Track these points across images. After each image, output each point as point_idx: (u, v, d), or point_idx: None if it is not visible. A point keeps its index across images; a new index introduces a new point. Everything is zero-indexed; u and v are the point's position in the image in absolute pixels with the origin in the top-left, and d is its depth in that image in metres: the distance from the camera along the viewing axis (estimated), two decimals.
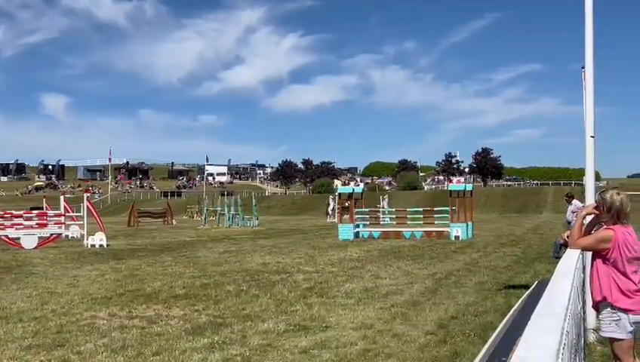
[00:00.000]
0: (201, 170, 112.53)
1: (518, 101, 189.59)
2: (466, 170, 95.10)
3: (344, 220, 26.42)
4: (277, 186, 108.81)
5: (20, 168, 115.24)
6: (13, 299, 10.17)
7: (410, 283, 11.49)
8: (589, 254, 4.91)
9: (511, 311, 8.04)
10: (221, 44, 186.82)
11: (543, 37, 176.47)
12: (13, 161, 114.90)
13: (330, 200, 45.71)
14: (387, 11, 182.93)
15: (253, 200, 43.32)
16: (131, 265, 15.38)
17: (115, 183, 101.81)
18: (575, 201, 16.76)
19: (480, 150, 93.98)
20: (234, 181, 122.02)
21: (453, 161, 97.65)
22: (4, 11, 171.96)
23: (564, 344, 2.09)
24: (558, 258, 11.95)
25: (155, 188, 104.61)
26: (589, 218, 4.93)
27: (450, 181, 31.58)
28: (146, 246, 21.64)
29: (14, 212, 24.69)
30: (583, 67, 7.73)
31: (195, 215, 52.37)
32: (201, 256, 17.50)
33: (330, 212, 44.97)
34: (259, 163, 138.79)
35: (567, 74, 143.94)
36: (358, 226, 25.32)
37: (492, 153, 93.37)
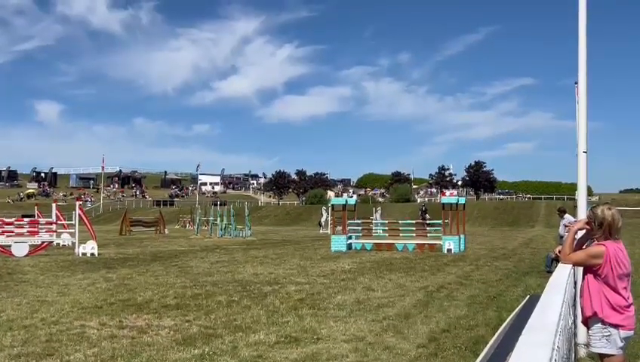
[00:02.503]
0: (194, 179, 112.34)
1: (511, 115, 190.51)
2: (459, 182, 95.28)
3: (337, 231, 26.40)
4: (270, 197, 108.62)
5: (12, 175, 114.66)
6: (3, 306, 10.11)
7: (402, 295, 11.49)
8: (581, 269, 4.92)
9: (502, 326, 8.05)
10: (216, 54, 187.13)
11: (536, 51, 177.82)
12: (5, 168, 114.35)
13: (323, 212, 45.70)
14: (382, 23, 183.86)
15: (246, 210, 43.20)
16: (122, 274, 15.32)
17: (108, 192, 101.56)
18: (567, 216, 16.82)
19: (473, 163, 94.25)
20: (227, 191, 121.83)
21: (446, 173, 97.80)
22: None
23: (555, 359, 2.10)
24: (550, 272, 11.99)
25: (147, 196, 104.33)
26: (580, 233, 4.95)
27: (443, 194, 31.59)
28: (138, 256, 21.56)
29: (5, 219, 24.56)
30: (576, 82, 7.78)
31: (188, 224, 52.26)
32: (192, 266, 17.44)
33: (322, 223, 44.95)
34: (252, 173, 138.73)
35: (559, 88, 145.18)
36: (350, 238, 25.31)
37: (485, 166, 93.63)
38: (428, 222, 40.48)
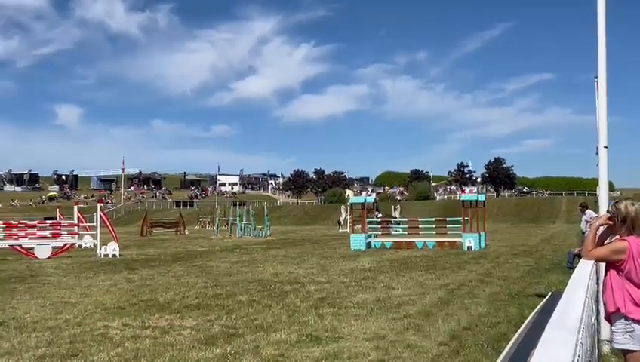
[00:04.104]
0: (213, 180, 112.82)
1: (530, 111, 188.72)
2: (479, 180, 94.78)
3: (356, 230, 26.39)
4: (289, 196, 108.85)
5: (34, 178, 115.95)
6: (27, 308, 10.24)
7: (423, 293, 11.46)
8: (603, 265, 4.88)
9: (524, 323, 8.00)
10: (233, 55, 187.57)
11: (554, 47, 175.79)
12: (26, 172, 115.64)
13: (342, 211, 45.67)
14: (398, 21, 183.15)
15: (265, 210, 43.35)
16: (144, 274, 15.44)
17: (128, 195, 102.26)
18: (589, 211, 16.66)
19: (492, 160, 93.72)
20: (246, 191, 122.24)
21: (466, 170, 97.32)
22: (19, 22, 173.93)
23: (578, 356, 2.09)
24: (572, 268, 11.88)
25: (167, 198, 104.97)
26: (602, 228, 4.91)
27: (463, 191, 31.44)
28: (159, 256, 21.71)
29: (28, 222, 24.90)
30: (596, 77, 7.71)
31: (208, 225, 52.52)
32: (213, 266, 17.53)
33: (341, 222, 44.94)
34: (270, 173, 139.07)
35: (578, 83, 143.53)
36: (370, 236, 25.28)
37: (504, 163, 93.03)
38: (379, 219, 40.59)
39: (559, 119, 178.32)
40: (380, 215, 41.95)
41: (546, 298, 10.00)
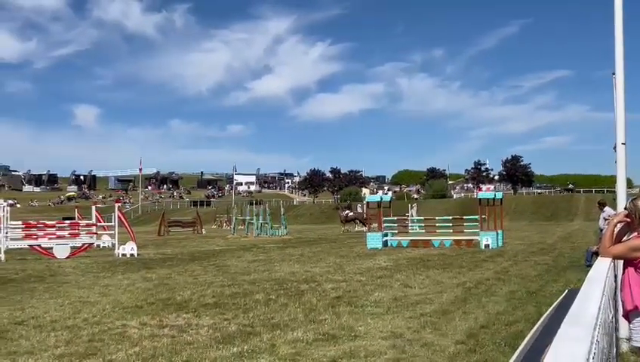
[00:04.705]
0: (229, 179, 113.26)
1: (547, 108, 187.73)
2: (496, 177, 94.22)
3: (372, 229, 26.36)
4: (305, 195, 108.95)
5: (52, 179, 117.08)
6: (46, 308, 10.34)
7: (440, 292, 11.42)
8: (621, 262, 4.85)
9: (540, 320, 7.96)
10: (249, 54, 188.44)
11: (571, 43, 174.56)
12: (45, 172, 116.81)
13: (359, 209, 45.65)
14: (414, 19, 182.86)
15: (282, 209, 43.47)
16: (161, 274, 15.53)
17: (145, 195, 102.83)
18: (607, 209, 16.52)
19: (509, 157, 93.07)
20: (262, 190, 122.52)
21: (483, 168, 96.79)
22: (37, 24, 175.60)
23: (594, 353, 2.08)
24: (590, 266, 11.80)
25: (184, 197, 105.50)
26: (620, 226, 4.87)
27: (480, 189, 31.30)
28: (176, 256, 21.83)
29: (47, 222, 25.12)
30: (614, 73, 7.64)
31: (224, 224, 52.69)
32: (230, 265, 17.60)
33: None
34: (287, 172, 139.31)
35: (596, 80, 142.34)
36: (386, 235, 25.25)
37: (522, 160, 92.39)
38: (348, 219, 40.60)
39: (577, 116, 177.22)
40: (351, 213, 42.01)
41: (563, 295, 9.94)
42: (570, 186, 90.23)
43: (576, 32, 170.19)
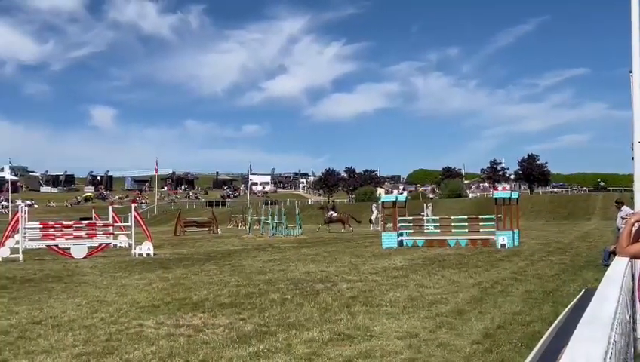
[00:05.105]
0: (245, 179, 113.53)
1: (564, 106, 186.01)
2: (512, 176, 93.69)
3: (387, 228, 26.32)
4: (320, 195, 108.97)
5: (69, 179, 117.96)
6: (64, 307, 10.43)
7: (455, 292, 11.39)
8: (639, 262, 4.81)
9: (557, 320, 7.91)
10: (264, 54, 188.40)
11: (588, 41, 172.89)
12: (62, 173, 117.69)
13: (374, 209, 45.62)
14: (429, 18, 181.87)
15: (297, 208, 43.50)
16: (178, 273, 15.61)
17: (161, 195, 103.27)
18: (625, 208, 16.39)
19: (526, 156, 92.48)
20: (277, 190, 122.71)
21: (499, 167, 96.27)
22: (54, 26, 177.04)
23: (611, 353, 2.07)
24: (608, 266, 11.71)
25: (200, 197, 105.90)
26: (638, 225, 4.83)
27: (496, 188, 31.15)
28: (192, 256, 21.92)
29: (64, 222, 25.32)
30: (631, 71, 7.58)
31: (240, 224, 52.83)
32: (245, 265, 17.65)
33: (373, 220, 44.92)
34: (302, 172, 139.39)
35: (614, 78, 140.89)
36: (401, 234, 25.20)
37: (538, 159, 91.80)
38: (332, 220, 40.56)
39: (594, 114, 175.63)
40: (335, 214, 41.97)
41: (580, 295, 9.87)
42: (602, 184, 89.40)
43: (593, 29, 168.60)
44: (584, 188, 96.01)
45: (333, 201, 60.87)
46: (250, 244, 28.49)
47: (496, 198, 25.22)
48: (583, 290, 10.50)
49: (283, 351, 7.03)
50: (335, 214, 42.50)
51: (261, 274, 15.19)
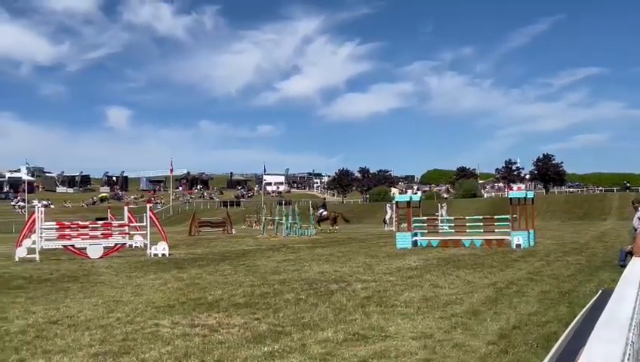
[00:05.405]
0: (259, 179, 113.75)
1: (580, 105, 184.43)
2: (527, 176, 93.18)
3: (402, 229, 26.27)
4: (333, 195, 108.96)
5: (85, 180, 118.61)
6: (81, 307, 10.51)
7: (470, 292, 11.35)
8: None
9: (574, 321, 7.86)
10: (278, 55, 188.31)
11: (604, 40, 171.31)
12: (78, 173, 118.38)
13: (388, 209, 45.54)
14: (443, 18, 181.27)
15: (311, 209, 43.51)
16: (193, 273, 15.68)
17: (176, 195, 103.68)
18: None
19: (541, 156, 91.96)
20: (291, 190, 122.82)
21: (514, 167, 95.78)
22: (69, 28, 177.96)
23: (629, 354, 2.06)
24: (624, 266, 11.61)
25: (214, 197, 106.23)
26: None
27: (511, 188, 30.99)
28: (207, 256, 22.01)
29: (80, 222, 25.54)
30: None
31: (254, 224, 52.95)
32: (260, 265, 17.69)
33: (387, 220, 44.82)
34: (315, 172, 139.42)
35: (630, 77, 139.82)
36: (416, 235, 25.14)
37: (553, 159, 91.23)
38: (322, 218, 40.45)
39: (611, 113, 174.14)
40: (325, 213, 41.88)
41: (597, 296, 9.80)
42: (628, 184, 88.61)
43: (609, 27, 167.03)
44: (600, 188, 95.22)
45: (324, 199, 60.90)
46: (264, 244, 28.54)
47: (511, 198, 25.08)
48: (600, 291, 10.42)
49: (298, 351, 7.05)
50: (325, 212, 42.53)
51: (275, 274, 15.22)
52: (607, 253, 19.12)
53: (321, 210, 42.79)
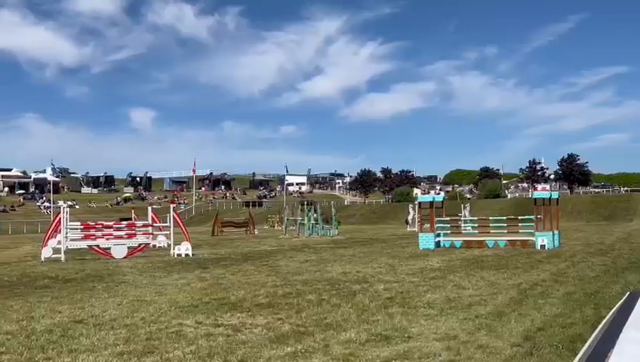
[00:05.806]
0: (281, 180, 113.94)
1: (605, 104, 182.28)
2: (552, 177, 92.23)
3: (424, 229, 26.15)
4: (356, 195, 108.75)
5: (109, 180, 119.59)
6: (105, 307, 10.61)
7: (495, 293, 11.26)
8: None
9: (602, 323, 7.75)
10: (300, 55, 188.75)
11: (629, 38, 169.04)
12: (102, 174, 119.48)
13: (410, 209, 45.36)
14: (466, 17, 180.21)
15: (333, 209, 43.49)
16: (216, 274, 15.75)
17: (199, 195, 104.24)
18: None
19: (566, 156, 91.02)
20: (313, 190, 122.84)
21: (538, 167, 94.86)
22: (94, 30, 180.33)
23: None
24: None
25: (237, 198, 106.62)
26: None
27: (535, 188, 30.68)
28: (230, 256, 22.10)
29: (105, 223, 25.79)
30: None
31: (276, 224, 53.07)
32: (282, 265, 17.72)
33: (409, 221, 44.64)
34: (337, 172, 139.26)
35: None
36: (439, 235, 25.01)
37: (578, 159, 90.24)
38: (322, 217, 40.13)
39: (636, 112, 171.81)
40: (322, 214, 41.64)
41: (624, 298, 9.66)
42: None
43: (633, 26, 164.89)
44: (626, 188, 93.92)
45: (315, 202, 60.94)
46: (286, 245, 28.60)
47: (535, 199, 24.84)
48: (628, 293, 10.27)
49: (321, 352, 7.04)
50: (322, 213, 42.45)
51: (298, 274, 15.23)
52: (633, 254, 18.87)
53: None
